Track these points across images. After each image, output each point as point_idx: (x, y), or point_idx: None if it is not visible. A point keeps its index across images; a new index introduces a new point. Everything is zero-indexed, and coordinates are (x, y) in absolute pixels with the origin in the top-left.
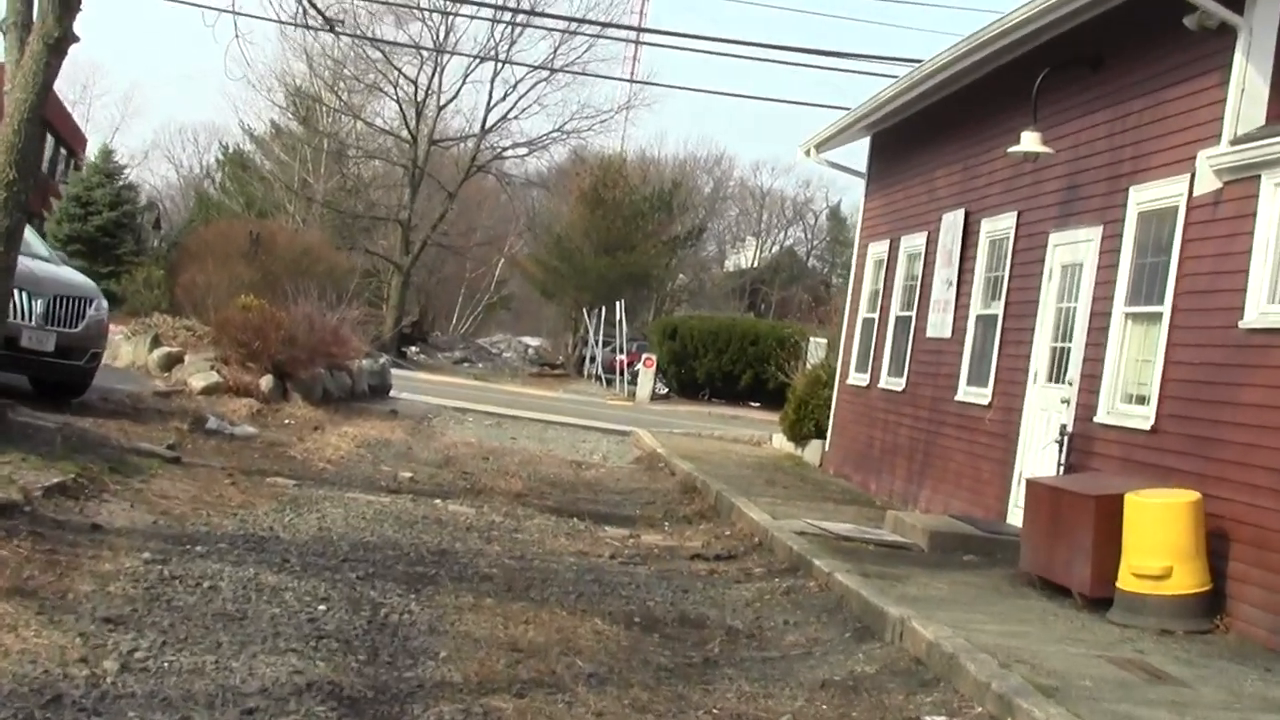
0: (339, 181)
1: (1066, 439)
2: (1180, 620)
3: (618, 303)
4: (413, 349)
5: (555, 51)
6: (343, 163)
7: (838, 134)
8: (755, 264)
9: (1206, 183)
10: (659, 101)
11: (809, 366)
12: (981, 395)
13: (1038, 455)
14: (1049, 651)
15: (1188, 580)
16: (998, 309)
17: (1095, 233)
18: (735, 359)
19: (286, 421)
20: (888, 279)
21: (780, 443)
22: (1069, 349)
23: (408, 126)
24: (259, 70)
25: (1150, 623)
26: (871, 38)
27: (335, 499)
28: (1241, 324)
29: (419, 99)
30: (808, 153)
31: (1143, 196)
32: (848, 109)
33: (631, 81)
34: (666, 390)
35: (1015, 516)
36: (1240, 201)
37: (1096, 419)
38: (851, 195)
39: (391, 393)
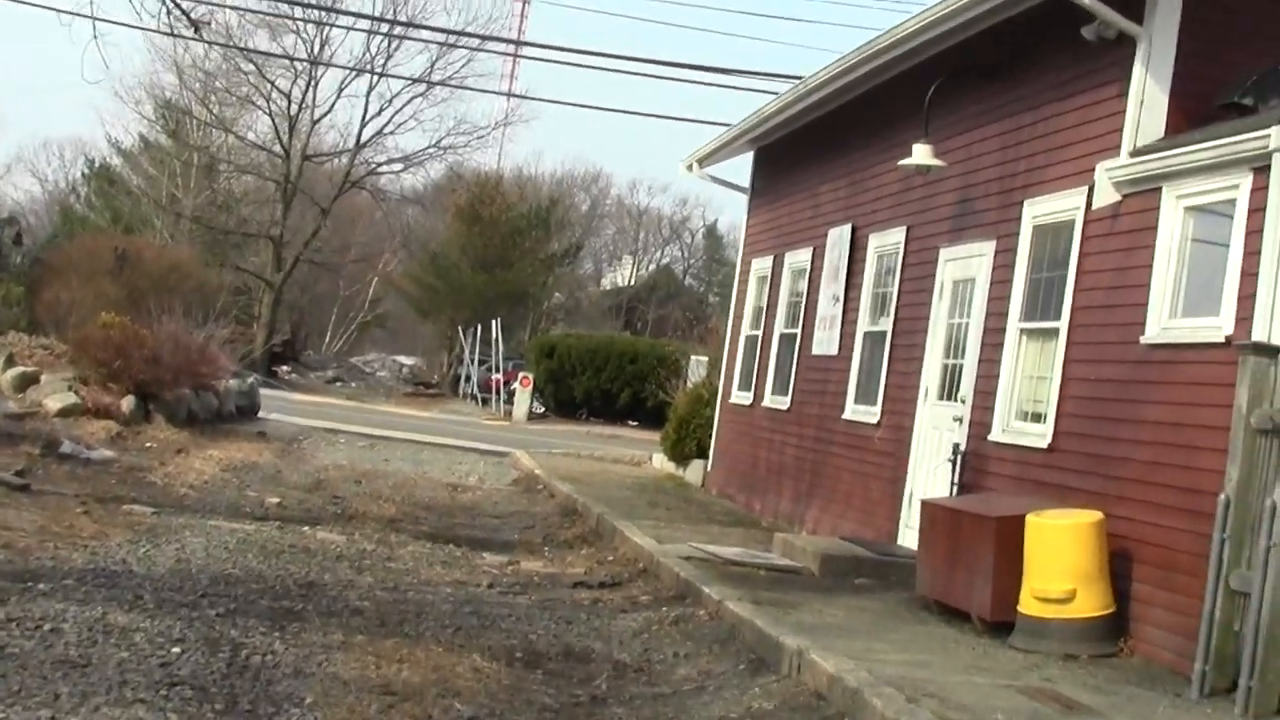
0: (209, 197)
1: (960, 457)
2: (1085, 644)
3: (494, 321)
4: (284, 368)
5: (433, 65)
6: (213, 178)
7: (720, 148)
8: (632, 282)
9: (1105, 195)
10: (537, 118)
11: (690, 385)
12: (870, 414)
13: (930, 474)
14: (955, 683)
15: (1091, 603)
16: (886, 325)
17: (988, 247)
18: (613, 377)
19: (148, 444)
20: (772, 296)
21: (661, 463)
22: (961, 366)
23: (280, 141)
24: (127, 82)
25: (1054, 648)
26: (749, 55)
27: (196, 527)
28: (1143, 339)
29: (292, 113)
30: (690, 167)
31: (1038, 210)
32: (726, 125)
33: (510, 96)
34: (544, 409)
35: (907, 537)
36: (1140, 215)
37: (991, 437)
38: (730, 214)
39: (260, 413)
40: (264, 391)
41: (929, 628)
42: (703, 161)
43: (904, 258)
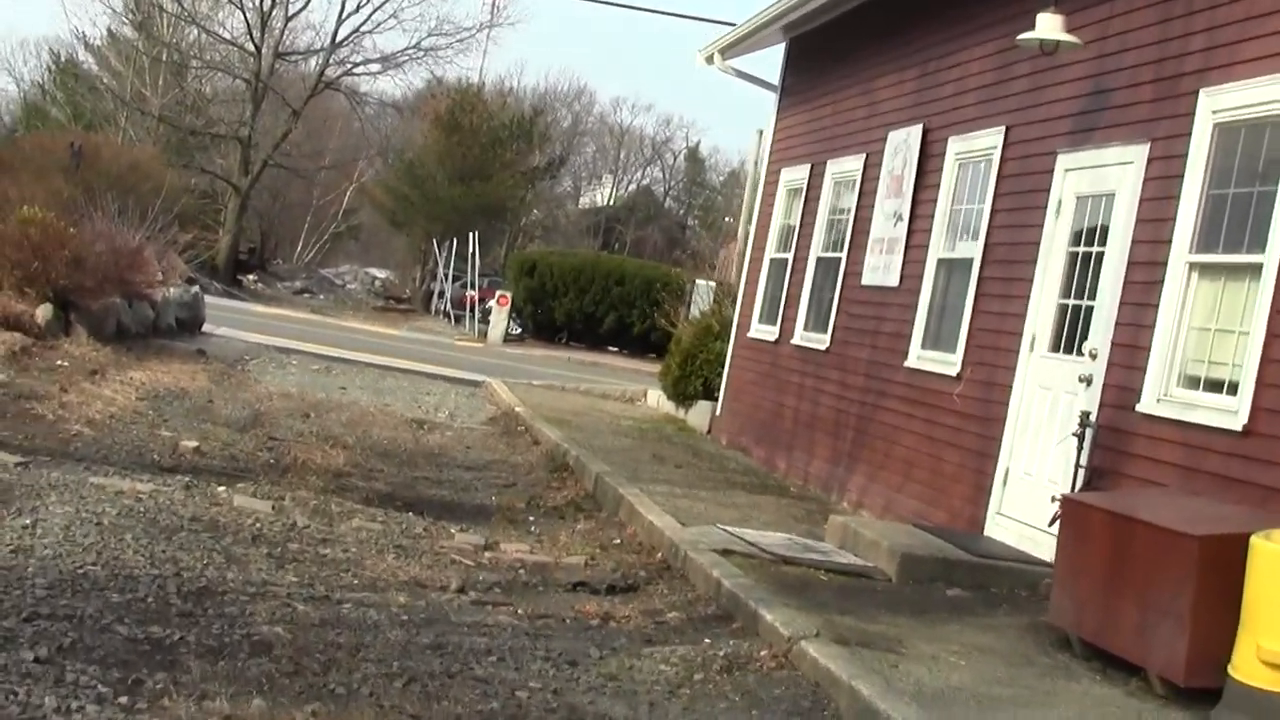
0: (178, 96)
1: (1090, 431)
2: None
3: (471, 234)
4: (250, 277)
5: None
6: (182, 76)
7: (746, 37)
8: (611, 202)
9: None
10: (523, 20)
11: (696, 314)
12: (946, 363)
13: (1038, 449)
14: None
15: None
16: (971, 251)
17: (1137, 153)
18: (598, 300)
19: (59, 363)
20: (807, 212)
21: (659, 401)
22: (1090, 309)
23: (252, 38)
24: None
25: None
26: None
27: (71, 487)
28: None
29: (264, 8)
30: (710, 58)
31: (1223, 102)
32: (732, 25)
33: None
34: (520, 331)
35: (998, 528)
36: None
37: (1140, 407)
38: (713, 137)
39: (207, 327)
40: (222, 302)
41: (1084, 687)
42: (725, 52)
43: (1000, 166)
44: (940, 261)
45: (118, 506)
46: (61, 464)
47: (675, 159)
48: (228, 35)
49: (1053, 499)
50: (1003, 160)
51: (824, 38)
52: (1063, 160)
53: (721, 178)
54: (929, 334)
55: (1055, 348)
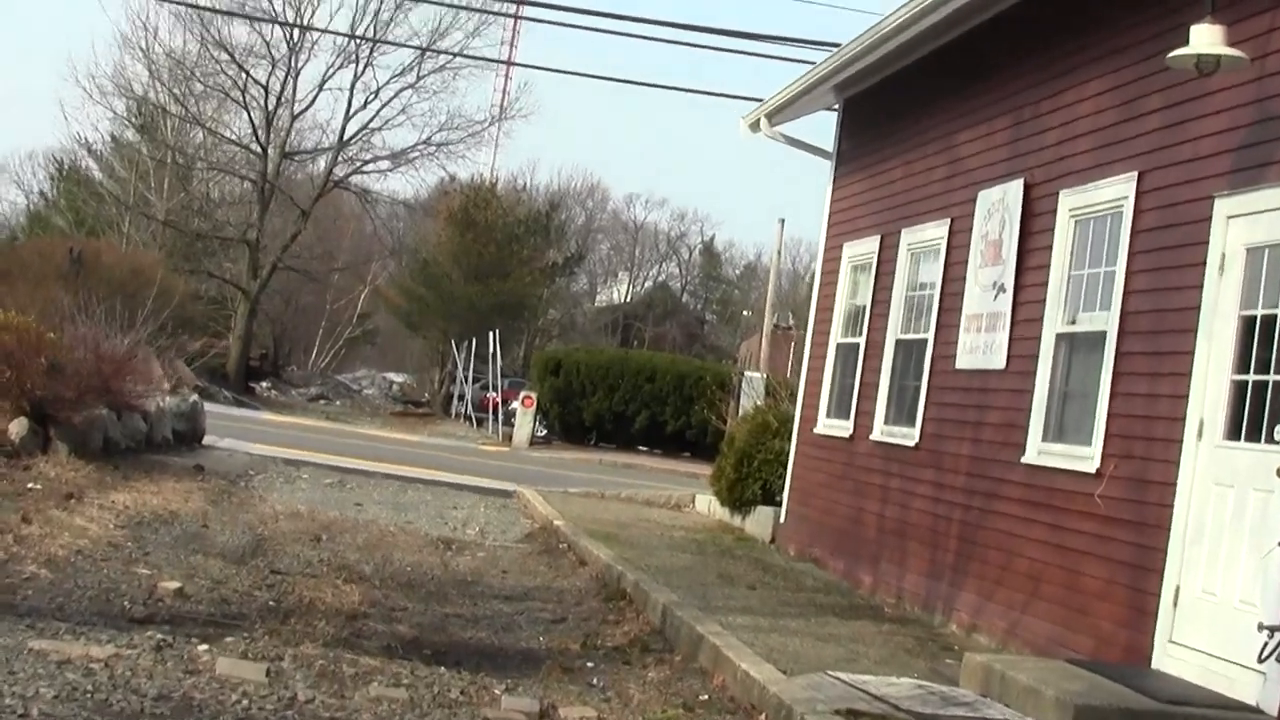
0: (183, 200)
1: None
2: None
3: (492, 333)
4: (263, 384)
5: (423, 55)
6: (187, 180)
7: (798, 97)
8: (628, 299)
9: None
10: (535, 113)
11: (748, 408)
12: (1078, 457)
13: (1222, 561)
14: None
15: None
16: (1103, 324)
17: None
18: (628, 398)
19: (30, 486)
20: (879, 289)
21: (710, 507)
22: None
23: (257, 138)
24: (96, 78)
25: None
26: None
27: (2, 655)
28: None
29: (270, 107)
30: (754, 126)
31: None
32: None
33: (509, 65)
34: (546, 433)
35: (1172, 660)
36: None
37: None
38: (727, 230)
39: (209, 439)
40: (232, 411)
41: None
42: (772, 117)
43: (1134, 220)
44: (1059, 337)
45: (57, 685)
46: None
47: (691, 254)
48: (233, 136)
49: (1261, 627)
50: (1137, 212)
51: (885, 93)
52: (1222, 206)
53: (738, 271)
54: (1051, 423)
55: (1234, 434)
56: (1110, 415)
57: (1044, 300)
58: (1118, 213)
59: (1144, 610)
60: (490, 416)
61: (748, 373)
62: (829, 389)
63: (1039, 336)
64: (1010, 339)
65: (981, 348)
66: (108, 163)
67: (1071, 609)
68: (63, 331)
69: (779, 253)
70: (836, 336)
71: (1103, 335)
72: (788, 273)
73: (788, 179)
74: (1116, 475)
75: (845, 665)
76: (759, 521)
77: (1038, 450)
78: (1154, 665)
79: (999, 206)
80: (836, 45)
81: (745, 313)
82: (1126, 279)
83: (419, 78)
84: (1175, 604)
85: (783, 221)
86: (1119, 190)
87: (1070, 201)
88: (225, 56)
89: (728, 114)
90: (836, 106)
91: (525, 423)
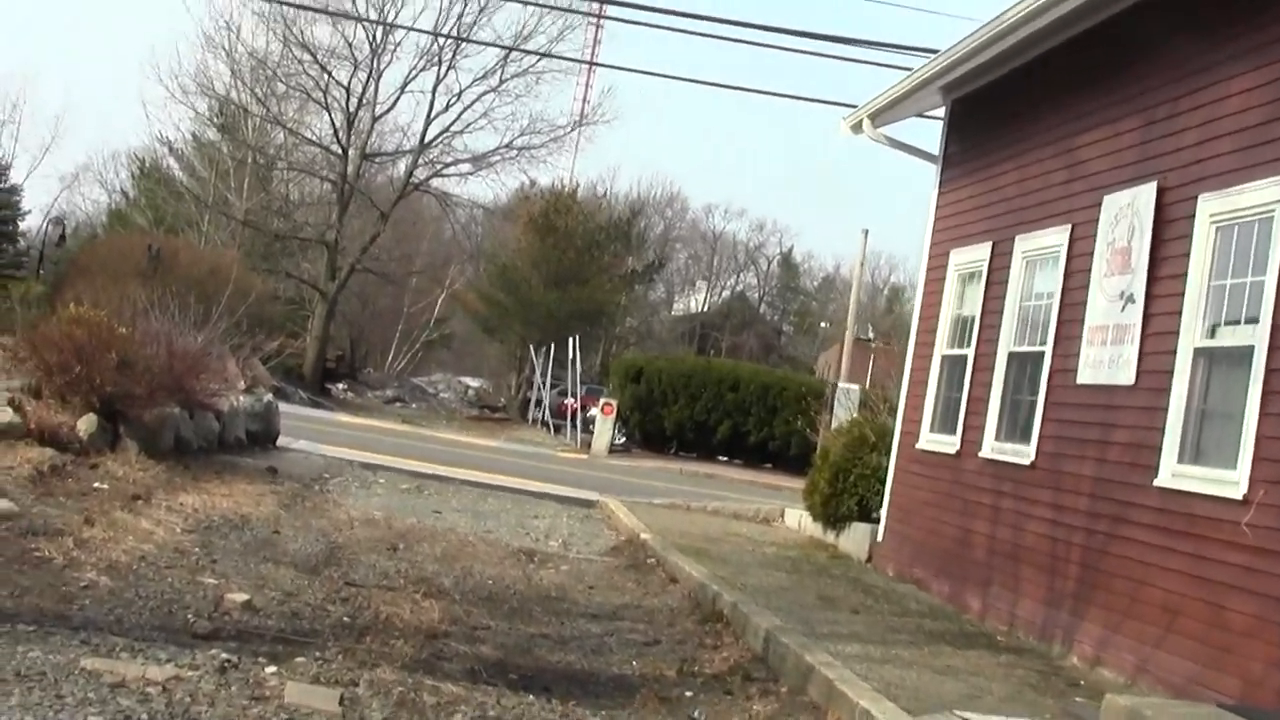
0: (263, 200)
1: None
2: None
3: (572, 339)
4: (339, 386)
5: (506, 57)
6: (268, 180)
7: (902, 98)
8: (705, 308)
9: None
10: (617, 118)
11: (842, 420)
12: (1221, 482)
13: None
14: None
15: None
16: (1250, 338)
17: None
18: (710, 407)
19: (96, 485)
20: (989, 299)
21: (800, 522)
22: None
23: (338, 139)
24: (179, 75)
25: None
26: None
27: (48, 675)
28: None
29: (351, 109)
30: (856, 127)
31: None
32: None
33: (591, 65)
34: (625, 441)
35: None
36: None
37: None
38: (805, 241)
39: (283, 440)
40: (307, 412)
41: None
42: (875, 118)
43: None
44: (1198, 351)
45: (109, 713)
46: (50, 634)
47: (769, 264)
48: (314, 137)
49: None
50: None
51: (997, 94)
52: None
53: (815, 282)
54: (1188, 444)
55: None
56: (1260, 437)
57: (1179, 312)
58: (1266, 218)
59: None
60: (568, 423)
61: (842, 384)
62: (933, 403)
63: (1174, 350)
64: (1140, 353)
65: (1107, 362)
66: (189, 162)
67: (1214, 646)
68: (135, 327)
69: (861, 264)
70: (941, 348)
71: (1250, 350)
72: (867, 286)
73: (872, 191)
74: (1267, 502)
75: (969, 703)
76: (854, 539)
77: (1172, 472)
78: None
79: (1127, 212)
80: (931, 50)
81: (823, 324)
82: (1279, 290)
83: (501, 81)
84: None
85: (866, 232)
86: (1270, 194)
87: (1210, 206)
88: (308, 57)
89: (809, 122)
90: (942, 108)
91: (605, 430)
